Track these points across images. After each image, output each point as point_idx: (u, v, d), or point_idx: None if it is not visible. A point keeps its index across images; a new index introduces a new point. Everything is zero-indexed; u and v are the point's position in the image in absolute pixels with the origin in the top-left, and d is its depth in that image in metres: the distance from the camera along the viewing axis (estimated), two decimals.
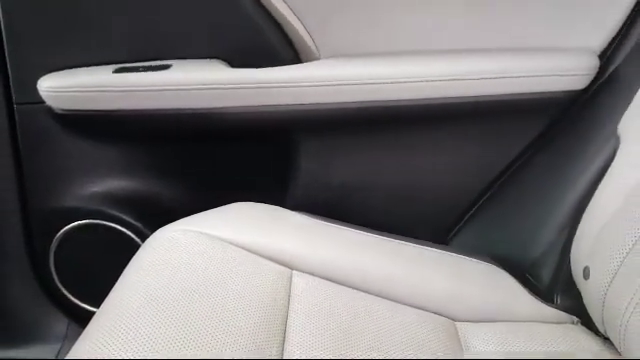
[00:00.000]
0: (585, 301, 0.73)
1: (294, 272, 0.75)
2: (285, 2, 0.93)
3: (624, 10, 0.90)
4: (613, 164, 0.74)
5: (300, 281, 0.73)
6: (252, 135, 1.01)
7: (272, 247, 0.76)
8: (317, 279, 0.74)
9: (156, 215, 0.98)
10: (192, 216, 0.81)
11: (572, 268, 0.78)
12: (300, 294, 0.71)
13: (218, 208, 0.84)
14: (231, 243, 0.76)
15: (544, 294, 0.82)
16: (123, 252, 0.92)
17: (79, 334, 1.17)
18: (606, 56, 0.92)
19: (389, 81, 0.92)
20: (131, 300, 0.66)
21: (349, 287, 0.75)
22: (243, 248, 0.76)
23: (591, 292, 0.69)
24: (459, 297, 0.77)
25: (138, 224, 1.03)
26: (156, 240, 0.77)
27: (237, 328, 0.63)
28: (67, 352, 1.13)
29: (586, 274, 0.72)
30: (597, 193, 0.75)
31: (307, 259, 0.76)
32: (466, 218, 1.03)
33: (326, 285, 0.74)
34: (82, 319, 1.10)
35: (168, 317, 0.63)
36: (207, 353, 0.60)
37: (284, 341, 0.64)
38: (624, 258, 0.65)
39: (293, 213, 0.87)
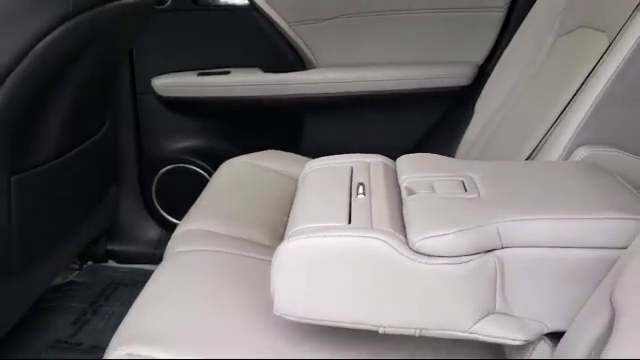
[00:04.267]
0: None
1: (299, 181, 1.40)
2: (296, 33, 1.60)
3: (494, 36, 1.56)
4: (468, 129, 1.39)
5: None
6: (276, 112, 1.68)
7: (289, 170, 1.40)
8: None
9: (217, 161, 1.63)
10: (243, 155, 1.46)
11: None
12: None
13: (258, 152, 1.49)
14: (265, 168, 1.41)
15: None
16: (197, 184, 1.58)
17: (167, 237, 1.84)
18: (485, 63, 1.57)
19: (358, 80, 1.59)
20: (213, 198, 1.31)
21: None
22: (273, 171, 1.40)
23: None
24: None
25: (207, 166, 1.70)
26: (224, 167, 1.42)
27: (269, 198, 1.26)
28: (159, 249, 1.78)
29: None
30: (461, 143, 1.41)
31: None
32: None
33: None
34: (170, 228, 1.76)
35: (235, 196, 1.27)
36: (256, 210, 1.23)
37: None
38: None
39: (302, 157, 1.52)
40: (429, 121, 1.62)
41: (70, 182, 1.36)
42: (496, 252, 0.69)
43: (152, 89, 1.63)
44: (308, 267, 0.69)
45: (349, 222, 0.70)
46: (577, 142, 0.90)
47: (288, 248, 0.69)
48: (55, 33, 1.01)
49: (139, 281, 1.69)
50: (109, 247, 1.76)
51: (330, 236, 0.68)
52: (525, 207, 0.72)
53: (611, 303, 0.61)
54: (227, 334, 0.78)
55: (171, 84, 1.62)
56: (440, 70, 1.56)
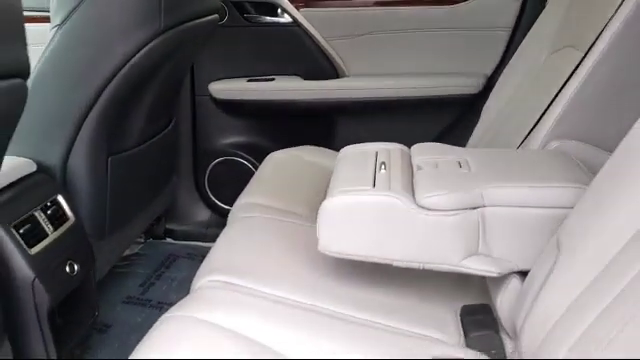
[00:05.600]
0: None
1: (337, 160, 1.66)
2: (331, 47, 1.89)
3: (501, 52, 1.83)
4: (474, 130, 1.65)
5: None
6: (312, 114, 1.97)
7: (322, 162, 1.68)
8: None
9: (261, 155, 1.91)
10: (285, 149, 1.74)
11: None
12: None
13: (297, 147, 1.77)
14: (303, 159, 1.69)
15: None
16: (243, 174, 1.88)
17: (217, 220, 2.12)
18: (493, 75, 1.84)
19: (383, 87, 1.87)
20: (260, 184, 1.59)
21: None
22: (310, 162, 1.68)
23: None
24: None
25: (252, 159, 1.99)
26: (270, 158, 1.71)
27: (307, 182, 1.54)
28: (210, 229, 2.07)
29: None
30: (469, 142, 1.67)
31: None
32: None
33: None
34: (219, 211, 2.06)
35: (280, 180, 1.55)
36: (296, 191, 1.51)
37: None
38: None
39: (333, 151, 1.80)
40: (443, 123, 1.89)
41: (145, 167, 1.66)
42: (479, 209, 0.95)
43: (209, 92, 1.94)
44: (344, 216, 0.97)
45: (373, 186, 0.98)
46: (551, 137, 1.17)
47: (331, 202, 0.97)
48: (149, 46, 1.31)
49: (193, 254, 1.99)
50: (167, 226, 2.06)
51: (360, 195, 0.96)
52: (503, 178, 0.99)
53: (557, 246, 0.88)
54: (281, 270, 1.07)
55: (224, 88, 1.93)
56: (454, 80, 1.84)
